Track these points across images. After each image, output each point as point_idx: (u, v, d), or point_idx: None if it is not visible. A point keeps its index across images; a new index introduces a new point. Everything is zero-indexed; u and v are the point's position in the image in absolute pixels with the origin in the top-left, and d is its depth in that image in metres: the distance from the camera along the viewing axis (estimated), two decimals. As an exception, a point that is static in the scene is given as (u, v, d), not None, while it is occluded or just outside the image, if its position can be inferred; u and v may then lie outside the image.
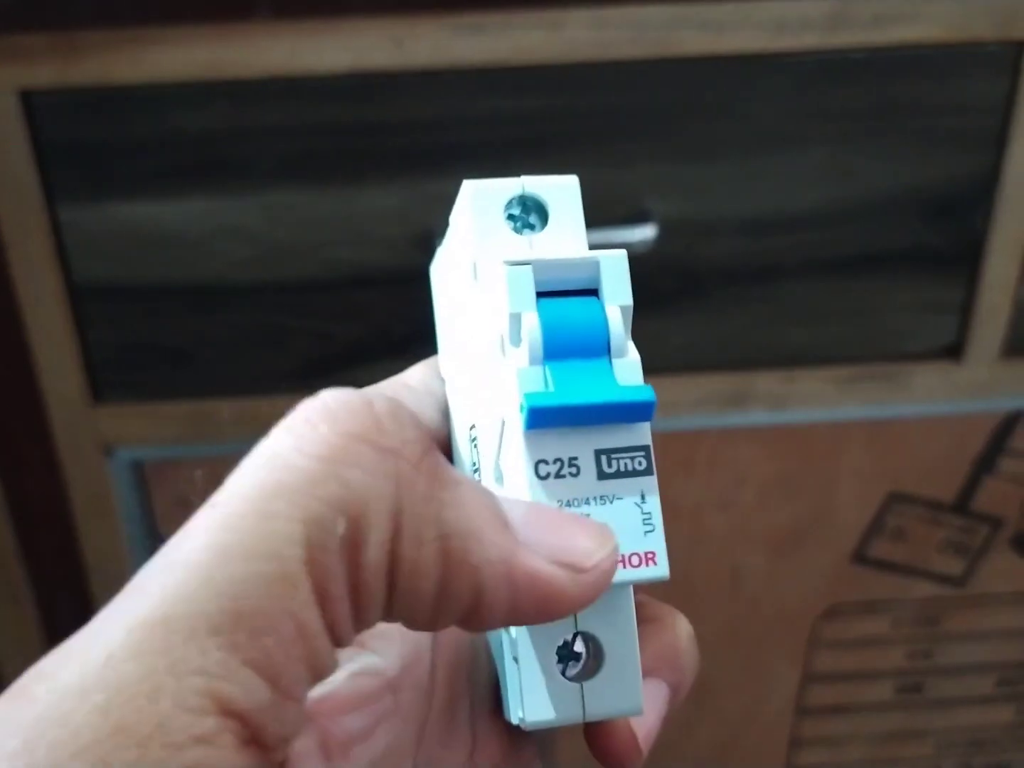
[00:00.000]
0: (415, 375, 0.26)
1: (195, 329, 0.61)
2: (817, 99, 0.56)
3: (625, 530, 0.20)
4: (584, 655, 0.21)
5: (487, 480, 0.22)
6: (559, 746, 0.72)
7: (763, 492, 0.68)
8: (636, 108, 0.56)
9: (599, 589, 0.19)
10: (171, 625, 0.16)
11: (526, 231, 0.22)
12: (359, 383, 0.21)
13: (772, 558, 0.71)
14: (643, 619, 0.22)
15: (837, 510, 0.70)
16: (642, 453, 0.20)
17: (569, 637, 0.21)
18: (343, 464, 0.18)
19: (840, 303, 0.62)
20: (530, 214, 0.22)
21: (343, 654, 0.19)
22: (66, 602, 0.69)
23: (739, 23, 0.54)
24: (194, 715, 0.16)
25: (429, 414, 0.25)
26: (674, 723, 0.23)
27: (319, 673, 0.18)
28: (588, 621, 0.21)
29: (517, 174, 0.22)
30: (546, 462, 0.20)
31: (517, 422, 0.20)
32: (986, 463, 0.69)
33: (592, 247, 0.22)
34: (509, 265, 0.21)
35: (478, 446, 0.23)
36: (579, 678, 0.21)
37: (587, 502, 0.20)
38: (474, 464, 0.23)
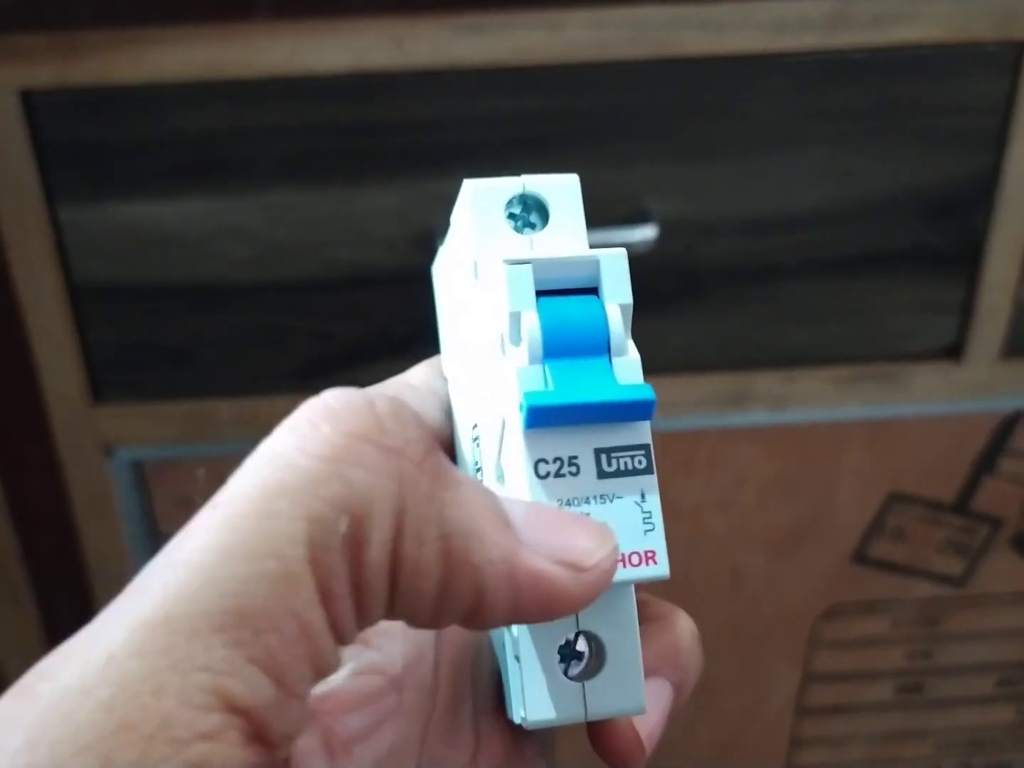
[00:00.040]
0: (418, 374, 0.26)
1: (195, 329, 0.61)
2: (817, 99, 0.56)
3: (625, 529, 0.20)
4: (586, 654, 0.21)
5: (489, 479, 0.22)
6: (559, 745, 0.72)
7: (763, 492, 0.68)
8: (636, 108, 0.56)
9: (600, 588, 0.19)
10: (173, 625, 0.16)
11: (527, 230, 0.22)
12: (359, 383, 0.21)
13: (772, 558, 0.71)
14: (646, 618, 0.22)
15: (837, 510, 0.70)
16: (642, 452, 0.20)
17: (571, 636, 0.21)
18: (346, 464, 0.18)
19: (840, 303, 0.62)
20: (531, 213, 0.22)
21: (346, 651, 0.19)
22: (66, 602, 0.69)
23: (739, 23, 0.54)
24: (199, 711, 0.16)
25: (432, 413, 0.25)
26: (674, 723, 0.23)
27: (322, 671, 0.18)
28: (590, 620, 0.21)
29: (517, 174, 0.22)
30: (546, 461, 0.20)
31: (517, 421, 0.20)
32: (986, 463, 0.69)
33: (592, 247, 0.22)
34: (509, 264, 0.21)
35: (480, 445, 0.23)
36: (581, 677, 0.21)
37: (587, 501, 0.20)
38: (477, 463, 0.23)
